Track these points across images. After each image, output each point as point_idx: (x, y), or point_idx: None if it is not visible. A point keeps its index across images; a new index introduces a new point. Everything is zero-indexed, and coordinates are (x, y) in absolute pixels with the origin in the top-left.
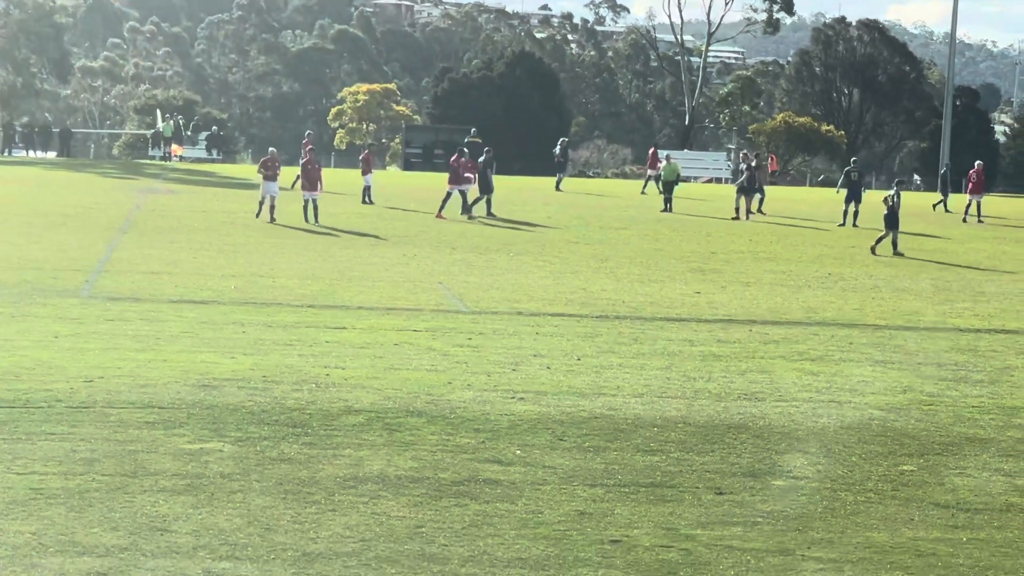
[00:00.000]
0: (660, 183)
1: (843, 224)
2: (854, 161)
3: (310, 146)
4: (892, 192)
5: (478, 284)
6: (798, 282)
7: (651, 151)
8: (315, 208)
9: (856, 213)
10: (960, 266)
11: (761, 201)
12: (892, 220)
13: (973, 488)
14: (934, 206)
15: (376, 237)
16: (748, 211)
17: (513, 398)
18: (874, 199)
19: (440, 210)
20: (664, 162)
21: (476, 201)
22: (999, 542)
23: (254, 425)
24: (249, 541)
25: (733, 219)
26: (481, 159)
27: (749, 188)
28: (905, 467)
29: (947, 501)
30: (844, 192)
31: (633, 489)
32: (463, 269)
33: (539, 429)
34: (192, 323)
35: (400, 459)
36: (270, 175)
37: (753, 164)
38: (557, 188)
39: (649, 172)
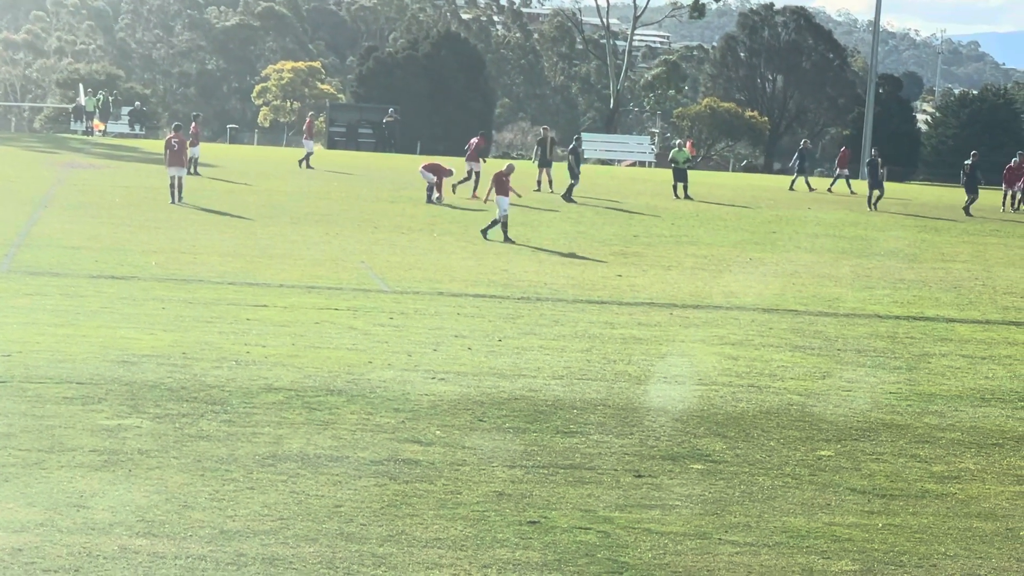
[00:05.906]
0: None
1: (969, 215)
2: (973, 155)
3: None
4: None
5: (400, 264)
6: (719, 266)
7: (843, 150)
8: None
9: (971, 201)
10: (880, 254)
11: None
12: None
13: (889, 474)
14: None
15: (294, 217)
16: (549, 182)
17: (434, 378)
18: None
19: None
20: (676, 148)
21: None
22: (914, 528)
23: (173, 402)
24: (166, 518)
25: (535, 191)
26: (571, 147)
27: (542, 162)
28: (823, 452)
29: (863, 487)
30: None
31: (552, 471)
32: (385, 248)
33: (459, 410)
34: (112, 299)
35: (319, 438)
36: (174, 157)
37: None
38: (811, 187)
39: (839, 171)
